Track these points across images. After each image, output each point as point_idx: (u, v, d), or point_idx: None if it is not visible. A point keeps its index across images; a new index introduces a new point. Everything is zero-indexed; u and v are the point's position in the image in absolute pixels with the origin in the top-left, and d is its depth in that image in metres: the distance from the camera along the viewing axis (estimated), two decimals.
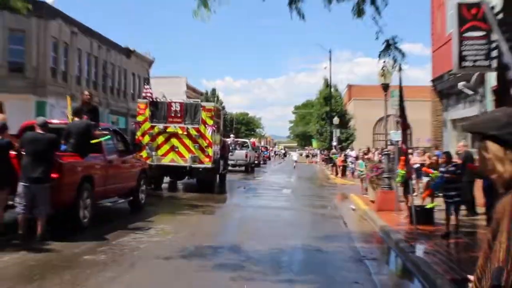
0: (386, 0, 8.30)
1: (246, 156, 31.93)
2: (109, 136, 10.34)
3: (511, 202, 1.62)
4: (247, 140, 38.88)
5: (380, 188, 13.69)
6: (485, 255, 1.66)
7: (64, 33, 29.70)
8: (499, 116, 1.71)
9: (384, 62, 8.86)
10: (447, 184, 9.30)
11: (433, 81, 18.40)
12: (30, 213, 7.87)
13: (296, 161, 46.34)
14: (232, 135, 32.70)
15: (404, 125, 10.18)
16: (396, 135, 14.17)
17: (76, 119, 9.83)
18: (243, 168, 32.43)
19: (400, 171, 12.00)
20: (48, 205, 7.94)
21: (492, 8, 7.78)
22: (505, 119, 1.68)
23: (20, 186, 7.82)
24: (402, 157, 11.37)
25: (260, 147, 53.66)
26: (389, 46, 8.36)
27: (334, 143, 37.19)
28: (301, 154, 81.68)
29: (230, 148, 27.20)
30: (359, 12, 8.39)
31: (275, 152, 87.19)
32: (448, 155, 9.66)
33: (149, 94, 17.25)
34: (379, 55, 8.45)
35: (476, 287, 1.67)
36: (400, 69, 8.86)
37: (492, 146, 1.70)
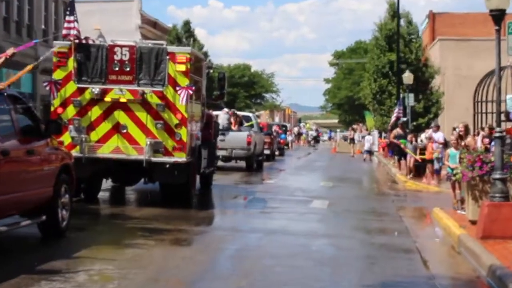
0: None
1: (249, 142, 31.92)
2: None
3: None
4: (250, 115, 38.84)
5: (488, 199, 13.61)
6: None
7: None
8: None
9: None
10: None
11: None
12: None
13: (369, 153, 47.81)
14: (225, 109, 32.68)
15: None
16: None
17: None
18: (243, 163, 32.63)
19: None
20: None
21: None
22: None
23: None
24: None
25: (274, 127, 53.67)
26: None
27: (404, 118, 36.98)
28: (344, 138, 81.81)
29: (221, 127, 27.19)
30: None
31: (297, 133, 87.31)
32: None
33: (74, 32, 17.19)
34: None
35: None
36: None
37: None
